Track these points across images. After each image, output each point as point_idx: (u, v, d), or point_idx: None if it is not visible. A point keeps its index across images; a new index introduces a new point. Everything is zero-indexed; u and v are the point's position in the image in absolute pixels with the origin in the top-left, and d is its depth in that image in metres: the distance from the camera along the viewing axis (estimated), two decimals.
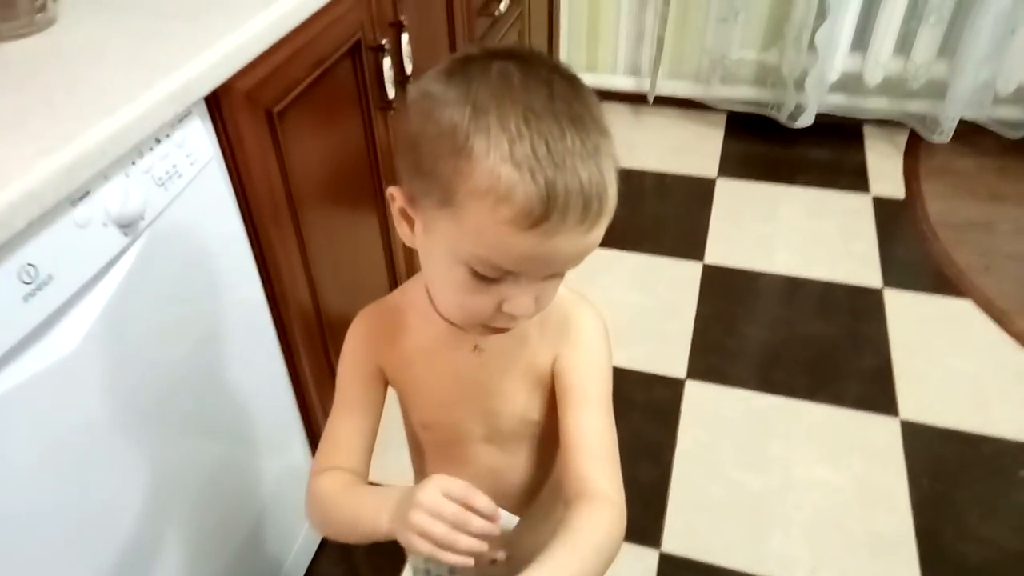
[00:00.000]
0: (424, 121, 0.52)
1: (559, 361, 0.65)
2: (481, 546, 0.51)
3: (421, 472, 0.79)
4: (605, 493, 0.60)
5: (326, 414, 1.23)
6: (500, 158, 0.48)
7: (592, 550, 0.56)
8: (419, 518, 0.51)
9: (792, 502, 1.42)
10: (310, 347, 1.16)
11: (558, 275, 0.57)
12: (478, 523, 0.51)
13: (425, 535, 0.51)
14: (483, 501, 0.52)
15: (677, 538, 1.36)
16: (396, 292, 0.71)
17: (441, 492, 0.52)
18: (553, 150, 0.48)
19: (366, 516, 0.58)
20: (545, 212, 0.48)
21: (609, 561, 0.57)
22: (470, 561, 0.51)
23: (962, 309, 1.82)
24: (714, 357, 1.72)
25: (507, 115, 0.48)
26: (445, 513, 0.51)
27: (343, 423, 0.68)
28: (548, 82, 0.51)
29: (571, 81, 0.52)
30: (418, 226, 0.57)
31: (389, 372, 0.69)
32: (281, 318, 1.08)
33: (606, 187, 0.51)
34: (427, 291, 0.63)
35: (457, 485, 0.52)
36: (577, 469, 0.61)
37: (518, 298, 0.54)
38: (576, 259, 0.54)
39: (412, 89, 0.55)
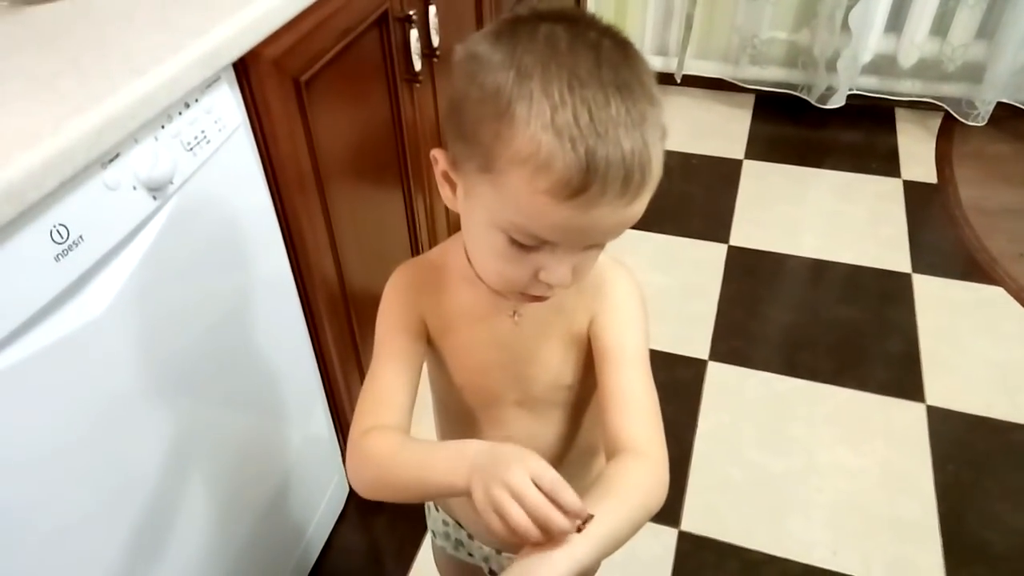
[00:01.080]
0: (468, 83, 0.52)
1: (595, 322, 0.65)
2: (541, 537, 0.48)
3: (448, 436, 0.79)
4: (645, 449, 0.59)
5: (348, 385, 1.26)
6: (541, 126, 0.47)
7: (632, 502, 0.55)
8: (501, 495, 0.48)
9: (814, 485, 1.41)
10: (334, 318, 1.16)
11: (597, 246, 0.56)
12: (558, 521, 0.48)
13: (502, 514, 0.48)
14: (570, 497, 0.49)
15: (697, 517, 1.36)
16: (436, 250, 0.70)
17: (530, 476, 0.48)
18: (596, 118, 0.47)
19: (437, 473, 0.55)
20: (584, 183, 0.47)
21: (648, 516, 0.56)
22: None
23: (993, 296, 1.78)
24: (737, 339, 1.70)
25: (551, 81, 0.47)
26: (527, 501, 0.48)
27: (386, 377, 0.65)
28: (596, 46, 0.49)
29: (622, 46, 0.51)
30: (460, 190, 0.56)
31: (430, 325, 0.68)
32: (306, 289, 1.09)
33: (650, 158, 0.49)
34: (467, 254, 0.63)
35: (549, 475, 0.49)
36: (617, 427, 0.60)
37: (555, 268, 0.54)
38: (615, 231, 0.53)
39: (458, 49, 0.54)
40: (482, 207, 0.54)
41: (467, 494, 0.52)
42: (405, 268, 0.69)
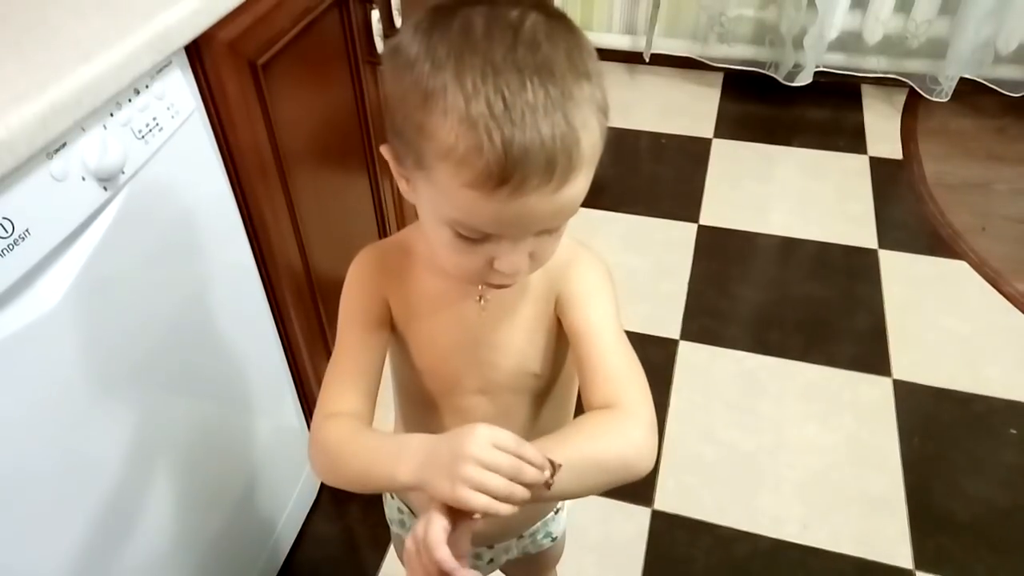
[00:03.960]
0: (393, 80, 0.51)
1: (561, 303, 0.64)
2: (529, 495, 0.49)
3: (408, 422, 0.78)
4: (633, 410, 0.58)
5: (317, 373, 1.24)
6: (457, 118, 0.46)
7: (601, 443, 0.55)
8: (473, 471, 0.48)
9: (784, 461, 1.42)
10: (300, 307, 1.14)
11: (549, 231, 0.54)
12: (531, 472, 0.49)
13: (482, 488, 0.48)
14: (531, 451, 0.49)
15: (669, 496, 1.37)
16: (401, 233, 0.69)
17: (491, 444, 0.49)
18: (511, 105, 0.45)
19: (379, 466, 0.55)
20: (505, 174, 0.46)
21: (626, 468, 0.56)
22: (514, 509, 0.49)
23: (957, 270, 1.81)
24: (708, 318, 1.71)
25: (464, 71, 0.46)
26: (502, 466, 0.48)
27: (348, 363, 0.65)
28: (515, 27, 0.48)
29: (548, 19, 0.49)
30: (410, 184, 0.56)
31: (394, 309, 0.67)
32: (270, 277, 1.07)
33: (577, 139, 0.47)
34: None
35: (505, 435, 0.49)
36: (603, 396, 0.59)
37: (507, 257, 0.53)
38: (556, 217, 0.52)
39: (385, 45, 0.53)
40: (426, 202, 0.53)
41: (407, 488, 0.52)
42: (369, 251, 0.68)
